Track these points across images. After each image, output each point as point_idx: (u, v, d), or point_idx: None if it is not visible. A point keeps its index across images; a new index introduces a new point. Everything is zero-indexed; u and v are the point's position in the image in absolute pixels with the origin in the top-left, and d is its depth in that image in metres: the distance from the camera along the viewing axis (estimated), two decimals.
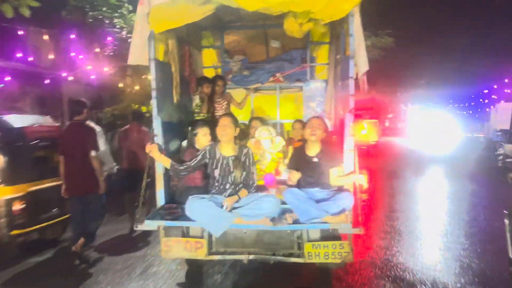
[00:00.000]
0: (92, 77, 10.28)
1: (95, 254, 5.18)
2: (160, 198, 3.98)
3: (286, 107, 6.04)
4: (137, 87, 10.34)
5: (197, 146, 4.18)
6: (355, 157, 3.75)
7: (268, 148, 4.57)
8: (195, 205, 3.35)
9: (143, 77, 9.74)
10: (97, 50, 9.70)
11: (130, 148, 6.18)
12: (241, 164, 3.74)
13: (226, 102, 5.51)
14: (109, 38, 9.53)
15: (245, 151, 3.83)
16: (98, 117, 11.22)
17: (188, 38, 5.16)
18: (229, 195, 3.65)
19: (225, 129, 3.70)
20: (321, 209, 3.47)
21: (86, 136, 4.75)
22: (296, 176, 3.79)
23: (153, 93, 3.94)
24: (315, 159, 3.82)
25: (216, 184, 3.75)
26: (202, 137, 4.19)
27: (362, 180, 3.50)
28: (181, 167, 3.77)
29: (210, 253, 3.73)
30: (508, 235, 3.76)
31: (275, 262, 3.69)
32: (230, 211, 3.47)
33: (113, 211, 7.03)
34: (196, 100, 5.23)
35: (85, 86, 12.08)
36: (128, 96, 10.91)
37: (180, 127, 4.64)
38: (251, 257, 3.68)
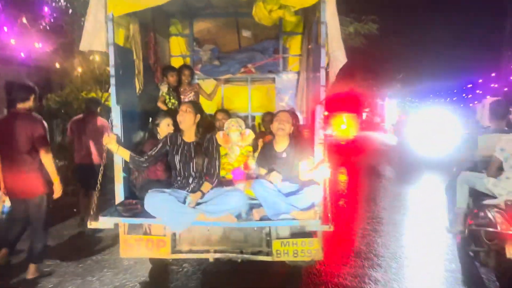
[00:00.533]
0: (22, 55, 8.35)
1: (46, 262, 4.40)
2: (119, 194, 3.71)
3: (257, 99, 5.85)
4: (80, 69, 8.54)
5: (160, 137, 3.94)
6: (324, 149, 3.59)
7: (237, 141, 4.36)
8: (154, 200, 3.11)
9: (90, 58, 8.16)
10: (25, 21, 7.70)
11: (83, 141, 5.56)
12: (203, 150, 3.54)
13: (193, 93, 5.27)
14: (46, 9, 8.06)
15: (208, 136, 3.65)
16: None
17: (153, 25, 4.88)
18: (192, 190, 3.43)
19: (183, 115, 3.50)
20: (289, 203, 3.29)
21: (33, 129, 3.78)
22: (263, 174, 3.61)
23: (112, 80, 3.66)
24: (284, 154, 3.65)
25: (179, 178, 3.52)
26: (165, 127, 3.96)
27: (326, 170, 3.34)
28: (141, 159, 3.52)
29: (173, 251, 3.51)
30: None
31: (243, 261, 3.50)
32: (193, 207, 3.25)
33: (64, 212, 6.31)
34: (164, 89, 4.96)
35: (17, 67, 9.58)
36: (73, 81, 8.98)
37: (143, 118, 4.38)
38: (217, 255, 3.48)
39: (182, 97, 5.23)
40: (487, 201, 3.75)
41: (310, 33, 4.82)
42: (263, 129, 5.47)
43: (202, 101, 5.59)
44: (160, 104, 4.80)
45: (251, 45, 5.89)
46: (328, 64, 3.72)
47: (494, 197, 3.69)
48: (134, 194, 3.83)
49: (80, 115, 5.83)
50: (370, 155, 15.88)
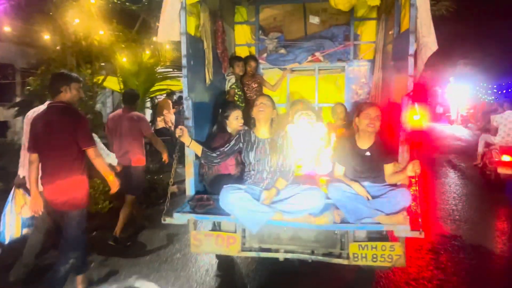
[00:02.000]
0: None
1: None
2: (190, 188, 3.61)
3: (325, 90, 5.54)
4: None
5: (229, 130, 3.80)
6: (410, 148, 3.27)
7: (309, 134, 4.13)
8: (230, 197, 2.96)
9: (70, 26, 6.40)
10: None
11: (120, 140, 4.75)
12: (278, 147, 3.33)
13: (256, 84, 5.09)
14: None
15: (282, 133, 3.42)
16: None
17: (221, 12, 4.72)
18: (267, 186, 3.25)
19: (263, 108, 3.31)
20: (373, 208, 3.02)
21: (74, 125, 3.11)
22: (341, 171, 3.37)
23: (184, 71, 3.54)
24: (368, 153, 3.35)
25: (252, 172, 3.35)
26: (234, 120, 3.81)
27: (417, 165, 3.01)
28: (214, 154, 3.39)
29: (243, 249, 3.36)
30: None
31: (314, 262, 3.29)
32: (269, 205, 3.07)
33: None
34: (232, 80, 4.80)
35: None
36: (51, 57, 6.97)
37: (213, 110, 4.25)
38: (288, 255, 3.29)
39: (245, 88, 5.06)
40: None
41: (388, 18, 4.44)
42: (332, 121, 5.18)
43: (266, 92, 5.40)
44: (231, 97, 4.67)
45: (318, 32, 5.59)
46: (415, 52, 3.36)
47: None
48: (203, 189, 3.73)
49: (118, 110, 5.09)
50: (446, 151, 13.00)
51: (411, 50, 3.25)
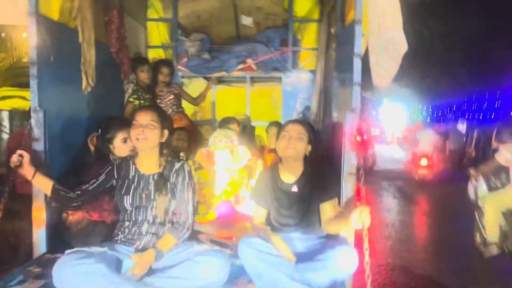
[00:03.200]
0: None
1: None
2: (40, 244, 2.42)
3: (259, 105, 4.54)
4: None
5: (114, 158, 2.64)
6: (359, 183, 2.29)
7: (227, 162, 3.08)
8: (69, 273, 1.78)
9: None
10: None
11: None
12: (169, 187, 2.22)
13: (172, 96, 4.03)
14: None
15: (176, 166, 2.29)
16: None
17: (121, 2, 3.62)
18: (145, 246, 2.12)
19: (142, 131, 2.16)
20: (301, 281, 1.97)
21: None
22: (261, 216, 2.32)
23: (33, 70, 2.39)
24: (294, 188, 2.33)
25: (126, 223, 2.21)
26: (121, 144, 2.63)
27: (366, 213, 2.00)
28: (72, 194, 2.21)
29: None
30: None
31: None
32: (140, 280, 1.94)
33: None
34: (130, 90, 3.70)
35: None
36: None
37: (94, 129, 3.08)
38: None
39: (158, 101, 3.97)
40: None
41: (332, 14, 3.54)
42: (266, 144, 4.18)
43: (186, 106, 4.33)
44: (128, 114, 3.51)
45: (252, 36, 4.62)
46: (367, 52, 2.43)
47: None
48: (67, 243, 2.53)
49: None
50: (392, 177, 11.33)
51: (358, 48, 2.32)
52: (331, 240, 2.27)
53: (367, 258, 1.96)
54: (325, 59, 3.78)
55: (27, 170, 2.18)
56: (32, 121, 2.40)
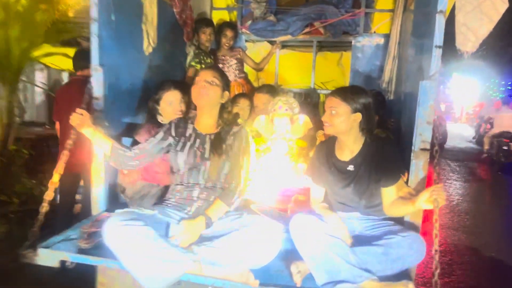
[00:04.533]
0: None
1: None
2: (98, 202, 2.47)
3: (325, 71, 4.28)
4: None
5: (162, 120, 2.60)
6: (433, 162, 2.02)
7: (285, 131, 2.91)
8: (117, 233, 1.78)
9: None
10: None
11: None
12: (225, 149, 2.14)
13: (235, 61, 3.89)
14: None
15: (235, 129, 2.20)
16: None
17: None
18: (196, 211, 2.06)
19: (205, 87, 2.09)
20: (358, 265, 1.80)
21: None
22: (320, 195, 2.15)
23: (94, 27, 2.36)
24: (350, 167, 2.11)
25: (179, 187, 2.17)
26: (167, 106, 2.58)
27: (439, 193, 1.75)
28: (130, 152, 2.20)
29: None
30: None
31: None
32: (186, 247, 1.89)
33: None
34: (192, 53, 3.62)
35: None
36: None
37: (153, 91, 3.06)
38: None
39: (220, 65, 3.86)
40: None
41: None
42: None
43: (249, 71, 4.18)
44: (189, 78, 3.46)
45: None
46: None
47: None
48: (124, 204, 2.56)
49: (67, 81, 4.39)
50: (463, 158, 10.38)
51: (442, 4, 1.99)
52: (395, 224, 2.05)
53: (436, 246, 1.74)
54: (401, 21, 3.40)
55: (88, 129, 2.19)
56: (93, 80, 2.40)
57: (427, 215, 2.16)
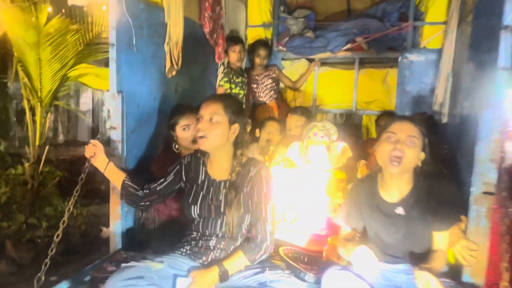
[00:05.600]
0: None
1: None
2: (115, 239, 2.29)
3: (369, 91, 3.90)
4: None
5: (177, 148, 2.39)
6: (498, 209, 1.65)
7: (322, 161, 2.60)
8: None
9: None
10: None
11: None
12: (242, 200, 1.83)
13: (270, 80, 3.67)
14: None
15: (252, 172, 1.85)
16: None
17: None
18: (213, 262, 1.79)
19: (203, 129, 1.79)
20: None
21: None
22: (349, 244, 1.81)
23: (112, 52, 2.21)
24: (399, 210, 1.76)
25: (194, 234, 1.91)
26: (181, 132, 2.38)
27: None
28: (140, 192, 2.00)
29: None
30: None
31: None
32: None
33: None
34: (221, 73, 3.43)
35: None
36: None
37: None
38: None
39: (253, 86, 3.65)
40: None
41: None
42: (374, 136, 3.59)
43: (285, 91, 3.94)
44: None
45: (365, 9, 3.97)
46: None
47: None
48: (143, 241, 2.36)
49: None
50: None
51: (507, 19, 1.64)
52: (453, 283, 1.68)
53: None
54: (456, 35, 3.01)
55: (100, 161, 2.04)
56: (110, 108, 2.24)
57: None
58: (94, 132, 8.20)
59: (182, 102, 2.84)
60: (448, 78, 3.05)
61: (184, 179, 1.95)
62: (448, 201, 1.74)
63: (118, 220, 2.29)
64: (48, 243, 3.58)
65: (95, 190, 5.56)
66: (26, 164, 4.27)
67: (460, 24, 2.98)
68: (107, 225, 3.91)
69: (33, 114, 4.44)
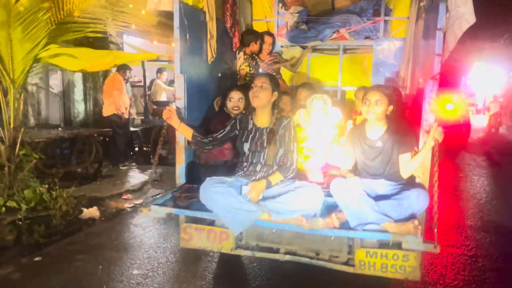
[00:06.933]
0: None
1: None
2: (180, 177, 3.27)
3: (350, 71, 4.97)
4: None
5: (230, 113, 3.42)
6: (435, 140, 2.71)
7: (321, 122, 3.64)
8: (210, 192, 2.59)
9: None
10: None
11: None
12: (278, 139, 2.88)
13: (273, 64, 4.63)
14: None
15: (285, 122, 2.92)
16: None
17: None
18: (259, 180, 2.84)
19: (258, 92, 2.84)
20: (380, 212, 2.53)
21: None
22: (349, 165, 2.89)
23: (176, 46, 3.15)
24: (379, 143, 2.84)
25: (245, 163, 2.94)
26: (228, 102, 3.43)
27: (439, 132, 2.55)
28: (205, 140, 3.00)
29: (237, 246, 3.01)
30: None
31: (318, 266, 2.87)
32: (256, 202, 2.66)
33: None
34: (242, 58, 4.37)
35: None
36: None
37: (216, 90, 3.86)
38: (288, 257, 2.89)
39: (260, 69, 4.62)
40: None
41: None
42: (356, 108, 4.64)
43: (284, 72, 4.92)
44: (241, 79, 4.26)
45: (346, 6, 4.98)
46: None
47: None
48: (199, 177, 3.37)
49: None
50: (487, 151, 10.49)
51: (441, 24, 2.69)
52: (408, 185, 2.76)
53: (435, 198, 2.45)
54: (415, 28, 4.06)
55: (175, 121, 2.99)
56: (176, 84, 3.20)
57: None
58: (66, 114, 8.11)
59: (214, 81, 3.83)
60: (408, 61, 4.12)
61: (238, 128, 2.97)
62: (408, 134, 2.80)
63: (182, 163, 3.26)
64: (30, 225, 4.01)
65: (73, 173, 6.13)
66: (2, 147, 4.18)
67: (417, 20, 4.02)
68: (87, 206, 4.73)
69: (5, 96, 4.29)
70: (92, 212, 4.69)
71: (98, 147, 6.48)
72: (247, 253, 3.02)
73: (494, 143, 11.48)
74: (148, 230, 4.49)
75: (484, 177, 7.82)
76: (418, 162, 2.67)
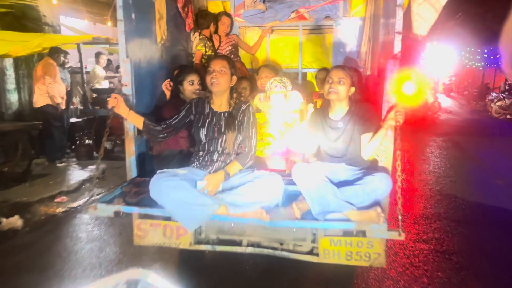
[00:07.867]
0: None
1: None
2: (131, 169, 3.03)
3: (311, 52, 4.81)
4: None
5: (183, 98, 3.18)
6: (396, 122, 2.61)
7: (281, 106, 3.48)
8: (160, 186, 2.36)
9: None
10: None
11: None
12: (236, 124, 2.70)
13: (231, 46, 4.40)
14: None
15: (243, 107, 2.75)
16: None
17: None
18: (216, 170, 2.64)
19: (216, 76, 2.63)
20: (342, 199, 2.41)
21: None
22: (313, 149, 2.75)
23: (121, 26, 2.87)
24: (340, 124, 2.72)
25: (201, 152, 2.74)
26: (188, 86, 3.19)
27: (400, 113, 2.45)
28: (158, 127, 2.76)
29: (196, 241, 2.82)
30: None
31: (282, 257, 2.74)
32: (213, 195, 2.47)
33: None
34: (197, 40, 4.11)
35: None
36: None
37: (166, 75, 3.59)
38: (250, 250, 2.74)
39: (218, 51, 4.38)
40: None
41: None
42: (317, 90, 4.51)
43: (243, 55, 4.71)
44: (197, 61, 3.99)
45: None
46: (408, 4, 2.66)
47: None
48: (151, 170, 3.13)
49: None
50: (446, 131, 10.42)
51: (400, 0, 2.55)
52: (371, 170, 2.66)
53: (399, 182, 2.35)
54: (374, 6, 3.94)
55: (123, 109, 2.71)
56: (122, 69, 2.92)
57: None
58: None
59: (166, 64, 3.57)
60: (369, 40, 4.00)
61: (194, 113, 2.76)
62: (369, 114, 2.68)
63: (132, 155, 3.01)
64: None
65: None
66: None
67: None
68: (8, 214, 4.10)
69: None
70: (12, 222, 4.03)
71: (26, 143, 5.67)
72: (207, 247, 2.84)
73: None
74: (87, 237, 3.89)
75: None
76: (378, 142, 2.57)
